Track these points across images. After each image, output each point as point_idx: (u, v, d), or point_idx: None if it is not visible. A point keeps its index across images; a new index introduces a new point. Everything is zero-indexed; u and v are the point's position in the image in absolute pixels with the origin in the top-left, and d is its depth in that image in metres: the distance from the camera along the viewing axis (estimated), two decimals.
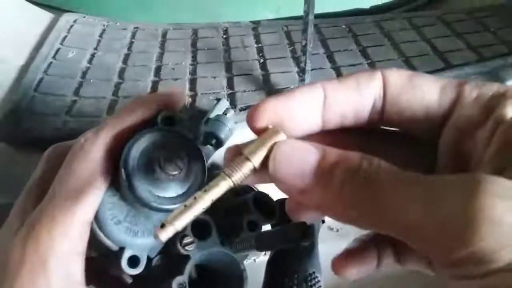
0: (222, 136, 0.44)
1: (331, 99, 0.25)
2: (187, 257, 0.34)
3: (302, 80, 0.56)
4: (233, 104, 0.56)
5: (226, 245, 0.36)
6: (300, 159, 0.23)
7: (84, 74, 0.62)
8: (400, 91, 0.25)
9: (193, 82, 0.60)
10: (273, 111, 0.24)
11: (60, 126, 0.51)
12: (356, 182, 0.21)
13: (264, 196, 0.38)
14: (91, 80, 0.60)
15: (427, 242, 0.20)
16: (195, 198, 0.23)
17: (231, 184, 0.23)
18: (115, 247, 0.33)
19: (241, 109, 0.55)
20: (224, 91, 0.58)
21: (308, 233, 0.32)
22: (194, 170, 0.33)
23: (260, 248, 0.35)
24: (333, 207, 0.22)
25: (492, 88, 0.23)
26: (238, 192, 0.42)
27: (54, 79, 0.60)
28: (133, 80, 0.60)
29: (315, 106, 0.25)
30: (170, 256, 0.35)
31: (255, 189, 0.44)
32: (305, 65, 0.57)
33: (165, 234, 0.23)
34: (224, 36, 0.73)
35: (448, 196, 0.19)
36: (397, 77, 0.25)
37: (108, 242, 0.33)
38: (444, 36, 0.69)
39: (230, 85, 0.60)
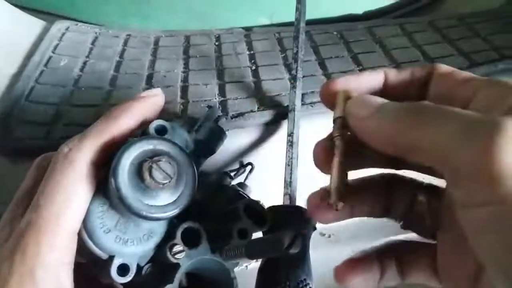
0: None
1: (390, 79, 0.32)
2: (177, 266, 0.34)
3: (293, 87, 0.56)
4: (224, 111, 0.56)
5: (217, 253, 0.36)
6: (368, 98, 0.29)
7: (76, 82, 0.62)
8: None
9: (184, 90, 0.60)
10: (344, 84, 0.31)
11: (51, 134, 0.51)
12: (409, 111, 0.26)
13: (255, 204, 0.38)
14: (83, 88, 0.60)
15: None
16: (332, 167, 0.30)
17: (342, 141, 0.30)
18: (104, 256, 0.33)
19: (233, 117, 0.55)
20: (215, 99, 0.58)
21: (297, 241, 0.32)
22: (184, 178, 0.34)
23: (250, 256, 0.35)
24: (384, 132, 0.27)
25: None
26: (230, 199, 0.42)
27: (45, 87, 0.59)
28: (124, 88, 0.60)
29: (377, 83, 0.32)
30: (160, 264, 0.35)
31: (246, 196, 0.44)
32: (296, 72, 0.57)
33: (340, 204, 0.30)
34: (216, 43, 0.73)
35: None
36: (443, 69, 0.32)
37: (97, 251, 0.33)
38: (435, 42, 0.69)
39: (222, 92, 0.60)
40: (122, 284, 0.34)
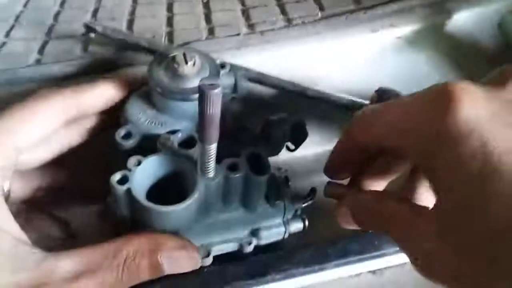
0: None
1: None
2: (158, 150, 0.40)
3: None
4: (170, 41, 0.54)
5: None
6: None
7: (17, 17, 0.59)
8: None
9: (130, 22, 0.58)
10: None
11: None
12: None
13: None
14: (24, 23, 0.58)
15: None
16: None
17: None
18: (122, 119, 0.41)
19: (179, 45, 0.53)
20: (162, 29, 0.56)
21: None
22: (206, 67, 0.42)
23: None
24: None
25: None
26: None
27: None
28: (67, 22, 0.58)
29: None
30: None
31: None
32: None
33: None
34: None
35: None
36: None
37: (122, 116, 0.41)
38: None
39: (170, 23, 0.58)
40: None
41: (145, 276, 0.34)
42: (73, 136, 0.42)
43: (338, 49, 0.56)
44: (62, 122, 0.38)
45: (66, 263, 0.32)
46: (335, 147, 0.39)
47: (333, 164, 0.40)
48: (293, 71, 0.56)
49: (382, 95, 0.49)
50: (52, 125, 0.38)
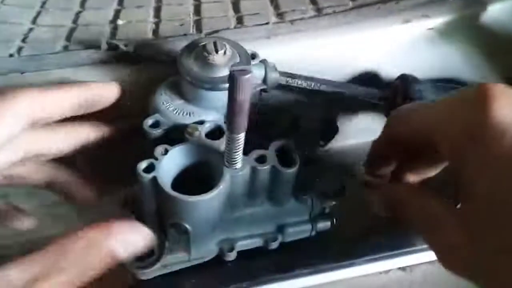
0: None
1: None
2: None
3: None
4: (198, 30, 0.53)
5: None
6: None
7: (43, 4, 0.58)
8: None
9: (157, 10, 0.57)
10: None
11: (14, 52, 0.49)
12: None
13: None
14: (50, 10, 0.57)
15: None
16: None
17: None
18: (150, 108, 0.41)
19: (207, 34, 0.52)
20: (190, 18, 0.55)
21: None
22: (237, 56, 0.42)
23: None
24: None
25: None
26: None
27: (10, 8, 0.57)
28: (94, 9, 0.57)
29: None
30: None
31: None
32: None
33: None
34: None
35: None
36: None
37: (150, 106, 0.41)
38: None
39: (197, 11, 0.57)
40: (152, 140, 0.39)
41: (102, 265, 0.32)
42: (44, 141, 0.40)
43: (369, 39, 0.55)
44: (28, 122, 0.36)
45: (15, 272, 0.30)
46: (374, 143, 0.39)
47: (373, 159, 0.40)
48: (322, 61, 0.55)
49: (404, 81, 0.48)
50: (18, 126, 0.35)
